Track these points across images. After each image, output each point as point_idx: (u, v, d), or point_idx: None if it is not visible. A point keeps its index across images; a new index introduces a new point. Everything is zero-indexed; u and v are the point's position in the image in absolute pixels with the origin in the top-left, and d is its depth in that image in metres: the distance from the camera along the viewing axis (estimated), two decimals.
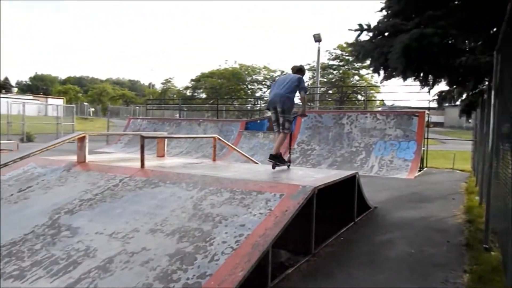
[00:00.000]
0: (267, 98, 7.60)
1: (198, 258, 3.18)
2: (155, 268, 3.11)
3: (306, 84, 6.15)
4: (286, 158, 6.03)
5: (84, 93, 69.72)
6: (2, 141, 17.14)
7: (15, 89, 76.55)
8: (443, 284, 3.57)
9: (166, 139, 7.80)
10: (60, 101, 43.89)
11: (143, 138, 5.54)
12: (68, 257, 3.40)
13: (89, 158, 5.96)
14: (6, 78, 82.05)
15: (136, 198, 4.43)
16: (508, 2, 2.95)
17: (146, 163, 5.49)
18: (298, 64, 5.96)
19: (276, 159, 5.65)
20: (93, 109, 53.44)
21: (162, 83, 56.54)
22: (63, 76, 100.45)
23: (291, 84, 5.58)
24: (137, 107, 43.45)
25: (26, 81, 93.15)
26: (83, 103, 53.28)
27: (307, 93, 5.86)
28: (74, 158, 5.94)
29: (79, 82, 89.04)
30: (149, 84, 73.37)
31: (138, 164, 5.45)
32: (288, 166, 5.92)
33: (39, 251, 3.57)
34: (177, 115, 28.14)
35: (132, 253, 3.35)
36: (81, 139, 5.84)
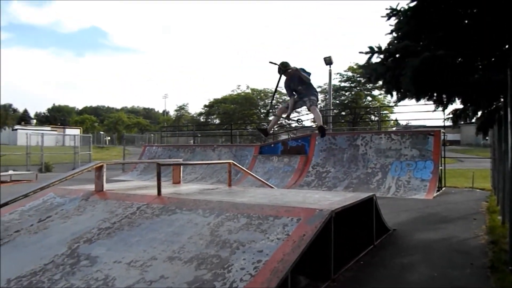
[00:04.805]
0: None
1: (217, 285, 3.15)
2: None
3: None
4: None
5: (100, 123, 71.20)
6: (21, 172, 17.50)
7: (34, 121, 78.71)
8: None
9: (181, 166, 7.86)
10: (77, 131, 44.84)
11: (159, 165, 5.59)
12: (87, 287, 3.41)
13: (106, 186, 6.03)
14: (26, 111, 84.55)
15: (154, 226, 4.44)
16: None
17: (163, 190, 5.52)
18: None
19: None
20: (109, 138, 54.38)
21: (176, 110, 57.49)
22: (79, 106, 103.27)
23: None
24: (152, 135, 44.02)
25: (44, 113, 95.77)
26: (99, 132, 54.32)
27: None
28: (92, 187, 6.02)
29: (95, 111, 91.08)
30: (163, 111, 74.60)
31: (155, 191, 5.49)
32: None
33: (58, 281, 3.59)
34: (191, 141, 28.43)
35: (151, 281, 3.35)
36: (99, 168, 5.93)
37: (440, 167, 12.23)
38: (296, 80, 6.40)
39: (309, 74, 6.34)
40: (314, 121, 7.12)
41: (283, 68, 6.37)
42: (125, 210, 4.97)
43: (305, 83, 6.38)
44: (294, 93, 6.63)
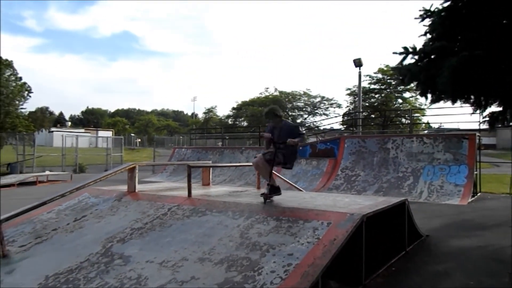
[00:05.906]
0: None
1: None
2: None
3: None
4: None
5: (131, 125, 72.97)
6: (57, 172, 18.15)
7: (69, 123, 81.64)
8: None
9: (211, 168, 7.94)
10: (109, 133, 46.13)
11: (189, 167, 5.67)
12: (121, 285, 3.49)
13: (138, 187, 6.17)
14: (61, 113, 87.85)
15: (184, 227, 4.51)
16: None
17: (193, 192, 5.59)
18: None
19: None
20: (139, 140, 55.58)
21: (205, 113, 58.11)
22: (112, 109, 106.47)
23: None
24: (181, 137, 44.71)
25: (78, 115, 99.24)
26: (131, 134, 55.60)
27: None
28: (124, 188, 6.18)
29: (127, 114, 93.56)
30: (192, 114, 75.61)
31: (185, 193, 5.57)
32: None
33: (93, 279, 3.70)
34: (220, 144, 28.65)
35: (182, 282, 3.40)
36: (131, 170, 6.08)
37: (475, 172, 11.82)
38: (284, 134, 5.20)
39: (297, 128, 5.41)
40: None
41: (272, 113, 5.30)
42: (157, 211, 5.07)
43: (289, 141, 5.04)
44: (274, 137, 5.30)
